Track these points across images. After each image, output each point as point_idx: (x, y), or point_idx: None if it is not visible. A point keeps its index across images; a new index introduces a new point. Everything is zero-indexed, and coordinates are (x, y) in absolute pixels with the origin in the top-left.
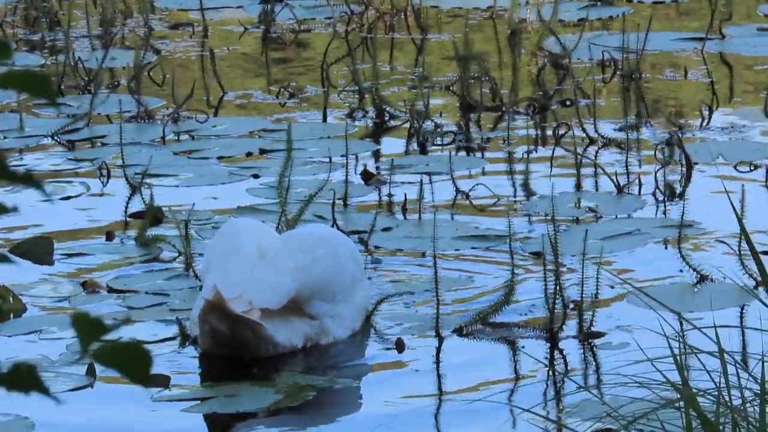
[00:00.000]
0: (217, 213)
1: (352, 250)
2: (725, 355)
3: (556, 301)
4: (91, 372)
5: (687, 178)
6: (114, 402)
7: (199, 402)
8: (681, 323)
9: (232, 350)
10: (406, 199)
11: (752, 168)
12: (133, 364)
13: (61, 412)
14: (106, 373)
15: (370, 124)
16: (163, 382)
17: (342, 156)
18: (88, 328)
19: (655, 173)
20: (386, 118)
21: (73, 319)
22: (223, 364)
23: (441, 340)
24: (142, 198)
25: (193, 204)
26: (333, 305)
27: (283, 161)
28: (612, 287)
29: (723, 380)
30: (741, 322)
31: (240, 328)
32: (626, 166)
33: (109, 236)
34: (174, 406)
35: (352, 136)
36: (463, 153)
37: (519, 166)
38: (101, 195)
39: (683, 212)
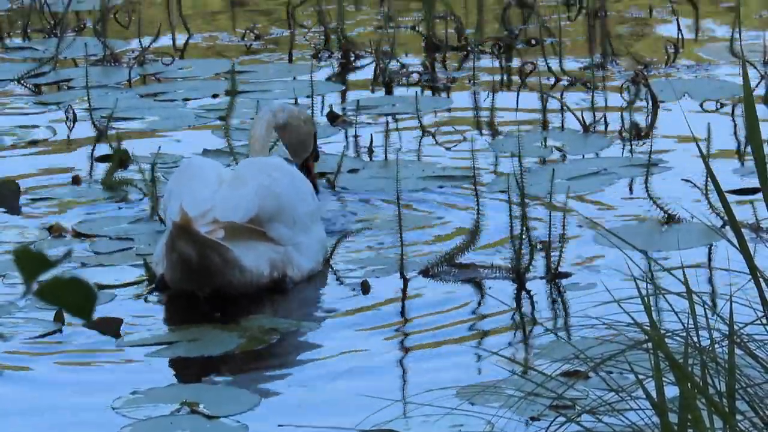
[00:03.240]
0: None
1: (309, 187)
2: (693, 296)
3: (523, 242)
4: (59, 318)
5: (653, 116)
6: (81, 348)
7: (164, 347)
8: (649, 263)
9: (199, 278)
10: (372, 140)
11: (719, 106)
12: (77, 299)
13: (29, 359)
14: (74, 319)
15: (336, 65)
16: (115, 326)
17: (308, 97)
18: (30, 263)
19: (621, 112)
20: (352, 59)
21: (16, 254)
22: (188, 307)
23: (406, 281)
24: (108, 141)
25: (159, 147)
26: (294, 232)
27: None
28: (579, 227)
29: (691, 321)
30: (709, 262)
31: (207, 252)
32: (592, 105)
33: (76, 180)
34: (139, 351)
35: (318, 77)
36: (429, 93)
37: (485, 106)
38: (68, 139)
39: (650, 151)
